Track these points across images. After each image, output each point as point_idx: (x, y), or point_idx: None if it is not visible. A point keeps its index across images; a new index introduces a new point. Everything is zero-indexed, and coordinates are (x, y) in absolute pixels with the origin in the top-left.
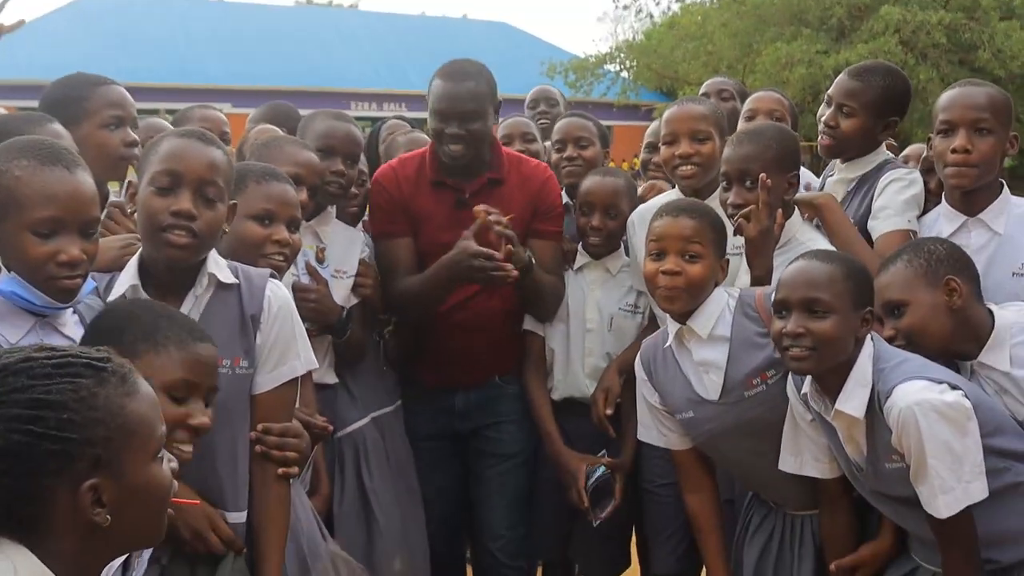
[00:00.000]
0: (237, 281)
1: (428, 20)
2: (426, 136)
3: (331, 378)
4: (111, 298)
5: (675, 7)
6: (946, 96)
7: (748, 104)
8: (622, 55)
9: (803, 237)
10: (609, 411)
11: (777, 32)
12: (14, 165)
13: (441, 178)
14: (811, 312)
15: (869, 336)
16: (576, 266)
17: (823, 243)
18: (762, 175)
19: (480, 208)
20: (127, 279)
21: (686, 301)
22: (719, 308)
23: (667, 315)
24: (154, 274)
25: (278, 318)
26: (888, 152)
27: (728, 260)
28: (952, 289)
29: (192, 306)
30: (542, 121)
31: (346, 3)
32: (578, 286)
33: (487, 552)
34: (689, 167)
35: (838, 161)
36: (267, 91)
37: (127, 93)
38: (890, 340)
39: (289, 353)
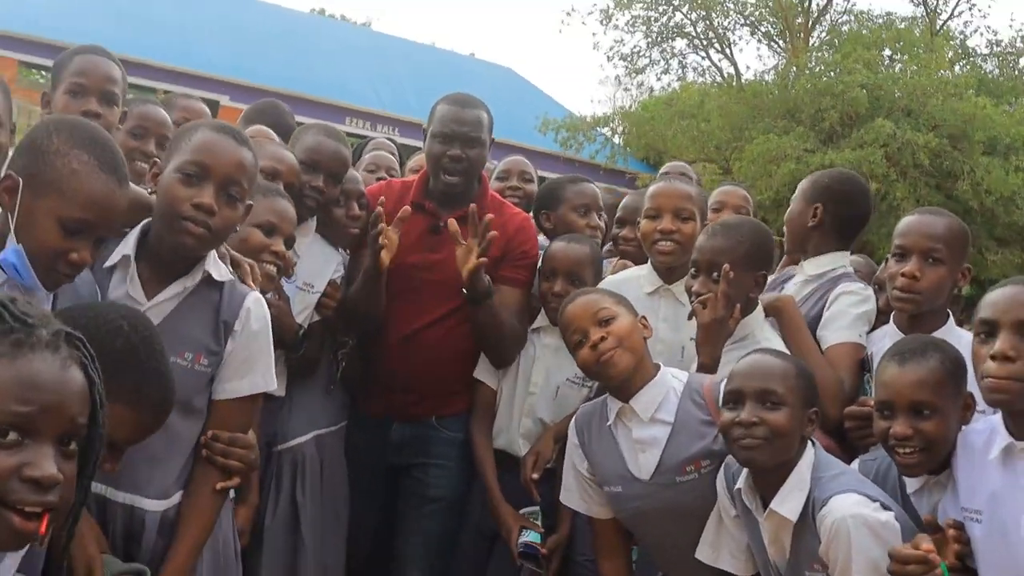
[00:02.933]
0: (228, 279)
1: (437, 52)
2: (390, 158)
3: (280, 391)
4: (107, 264)
5: (676, 84)
6: (904, 221)
7: (716, 196)
8: (616, 120)
9: (760, 335)
10: (535, 475)
11: (770, 123)
12: (74, 156)
13: (422, 201)
14: (765, 403)
15: (810, 443)
16: (533, 326)
17: (779, 345)
18: (725, 266)
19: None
20: (124, 248)
21: (627, 359)
22: (663, 391)
23: (610, 391)
24: (154, 252)
25: (252, 332)
26: (847, 263)
27: (645, 318)
28: (967, 405)
29: (177, 293)
30: (513, 199)
31: (359, 20)
32: (531, 345)
33: None
34: (669, 243)
35: (803, 261)
36: (265, 90)
37: (107, 64)
38: (903, 439)
39: (254, 368)
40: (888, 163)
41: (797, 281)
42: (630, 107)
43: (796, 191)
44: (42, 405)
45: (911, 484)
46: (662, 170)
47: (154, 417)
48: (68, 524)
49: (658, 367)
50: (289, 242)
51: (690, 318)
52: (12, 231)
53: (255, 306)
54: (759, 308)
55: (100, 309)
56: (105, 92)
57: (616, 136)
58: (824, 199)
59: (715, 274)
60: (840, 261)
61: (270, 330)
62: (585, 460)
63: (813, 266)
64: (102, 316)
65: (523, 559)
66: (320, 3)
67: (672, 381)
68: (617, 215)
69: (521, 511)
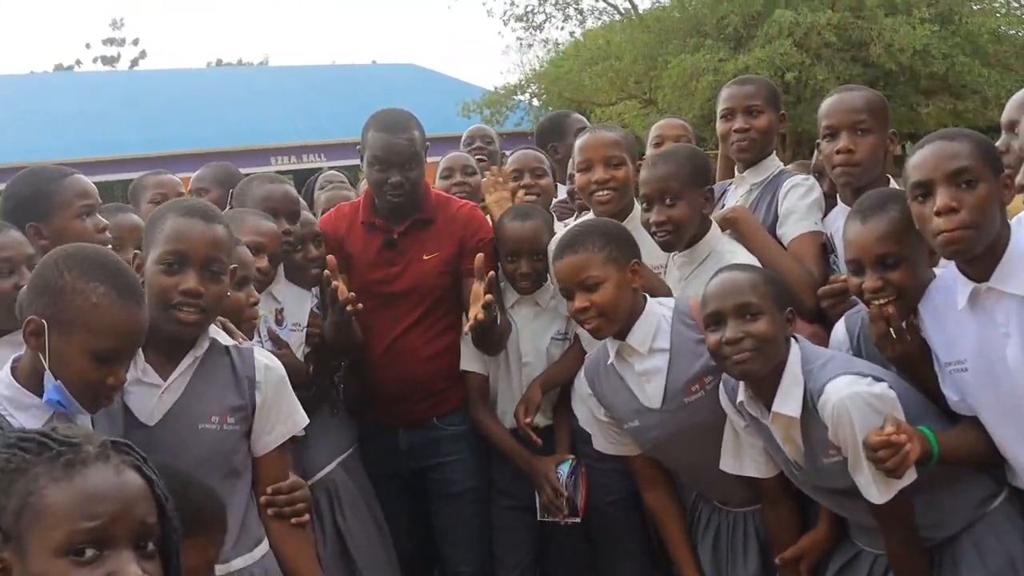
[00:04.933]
0: (233, 343)
1: (338, 69)
2: (347, 194)
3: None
4: None
5: (578, 32)
6: (826, 103)
7: (654, 131)
8: (531, 84)
9: (722, 248)
10: (528, 420)
11: (680, 45)
12: (92, 289)
13: (372, 219)
14: (744, 316)
15: (793, 340)
16: (508, 304)
17: (743, 253)
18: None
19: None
20: None
21: (609, 326)
22: (654, 322)
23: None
24: (156, 340)
25: (277, 380)
26: (779, 161)
27: (638, 261)
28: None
29: (189, 365)
30: (479, 157)
31: (256, 60)
32: (510, 322)
33: None
34: (606, 192)
35: (738, 173)
36: (185, 155)
37: (88, 180)
38: (876, 291)
39: (288, 412)
40: (799, 50)
41: (740, 192)
42: (540, 67)
43: (756, 102)
44: (109, 515)
45: None
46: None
47: (220, 523)
48: None
49: (645, 299)
50: (274, 259)
51: (666, 249)
52: (47, 369)
53: (266, 357)
54: (714, 225)
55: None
56: (99, 204)
57: (535, 99)
58: (779, 105)
59: (667, 199)
60: (776, 162)
61: (283, 368)
62: (600, 406)
63: (756, 174)
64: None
65: (571, 485)
66: (215, 55)
67: (660, 309)
68: (569, 172)
69: None
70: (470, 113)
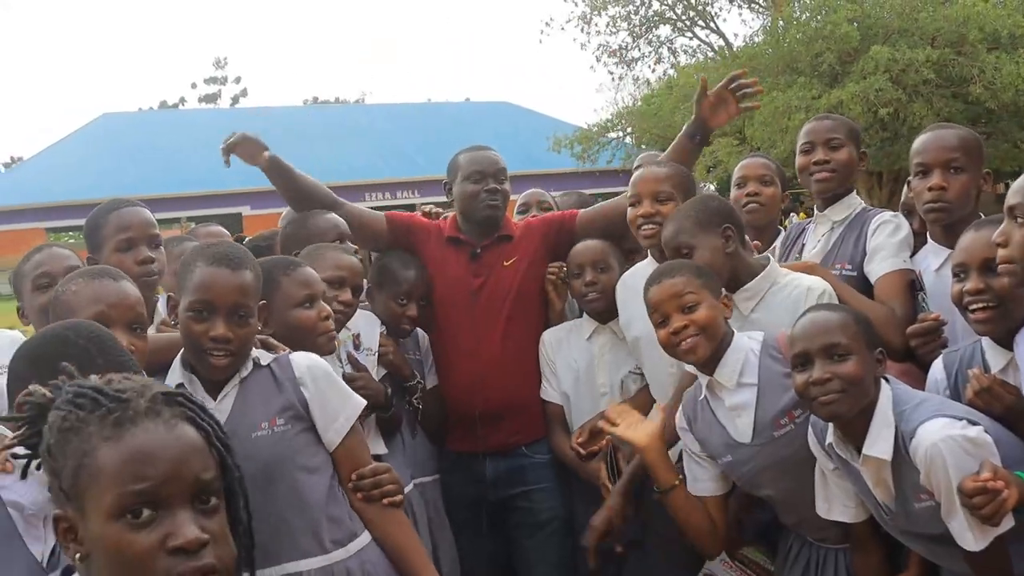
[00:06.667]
0: (273, 357)
1: (433, 107)
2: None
3: (381, 448)
4: None
5: (671, 71)
6: (919, 140)
7: (736, 172)
8: (623, 121)
9: (784, 279)
10: (581, 439)
11: (772, 83)
12: (71, 284)
13: (457, 235)
14: (832, 357)
15: (884, 381)
16: (586, 336)
17: (807, 279)
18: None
19: None
20: (172, 378)
21: (706, 346)
22: (742, 355)
23: (696, 369)
24: (200, 371)
25: (319, 374)
26: (860, 199)
27: (729, 296)
28: None
29: (234, 386)
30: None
31: (352, 99)
32: (588, 352)
33: None
34: (651, 226)
35: (818, 212)
36: None
37: (142, 212)
38: (976, 294)
39: (342, 401)
40: (895, 86)
41: (821, 231)
42: (633, 105)
43: (837, 135)
44: (160, 475)
45: (995, 364)
46: (635, 163)
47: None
48: None
49: (732, 333)
50: (325, 298)
51: None
52: None
53: (299, 356)
54: (770, 260)
55: (47, 330)
56: (150, 237)
57: (627, 137)
58: (859, 143)
59: (683, 254)
60: (857, 200)
61: (325, 363)
62: (696, 442)
63: (838, 212)
64: (48, 334)
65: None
66: (312, 92)
67: (748, 343)
68: None
69: None
70: (561, 148)
